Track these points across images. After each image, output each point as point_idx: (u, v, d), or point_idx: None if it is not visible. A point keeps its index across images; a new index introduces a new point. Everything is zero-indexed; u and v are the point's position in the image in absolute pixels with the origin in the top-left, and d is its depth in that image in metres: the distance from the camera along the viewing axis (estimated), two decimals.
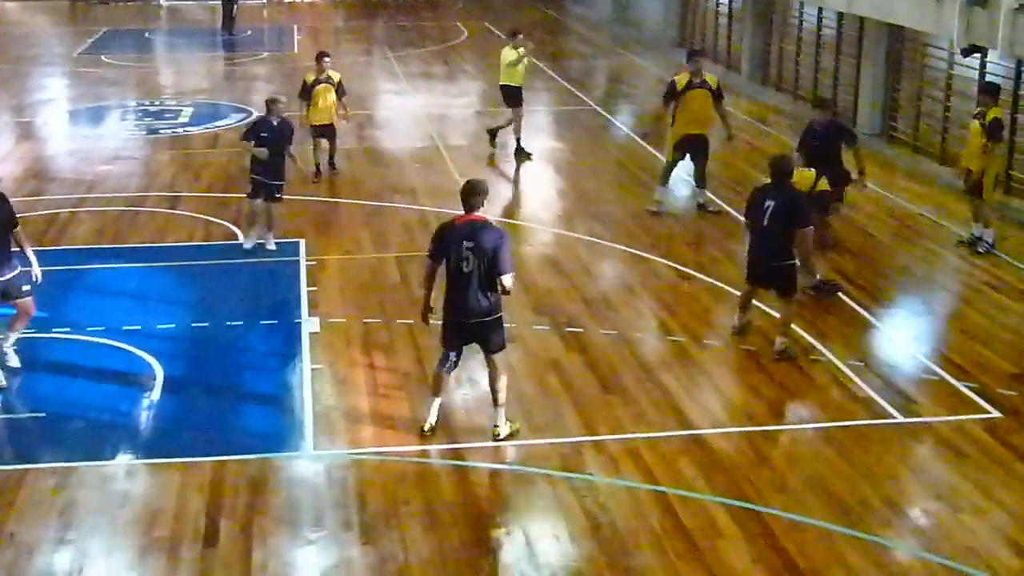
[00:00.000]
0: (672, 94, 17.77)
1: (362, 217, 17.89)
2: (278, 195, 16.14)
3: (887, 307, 14.43)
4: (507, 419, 10.97)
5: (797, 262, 12.80)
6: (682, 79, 17.77)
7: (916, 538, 9.45)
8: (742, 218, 13.28)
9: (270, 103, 16.29)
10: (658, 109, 18.64)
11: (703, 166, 18.20)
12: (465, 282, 10.54)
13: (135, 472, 10.47)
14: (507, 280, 10.59)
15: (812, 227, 12.74)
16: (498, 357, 10.90)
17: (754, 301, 13.34)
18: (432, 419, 10.99)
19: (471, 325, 10.74)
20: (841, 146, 15.72)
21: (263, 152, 15.79)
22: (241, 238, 16.34)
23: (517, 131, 21.45)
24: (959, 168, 16.17)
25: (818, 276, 14.43)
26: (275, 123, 16.06)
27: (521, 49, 21.15)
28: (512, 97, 21.33)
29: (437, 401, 11.04)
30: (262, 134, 15.96)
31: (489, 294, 10.62)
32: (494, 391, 10.93)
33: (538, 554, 9.22)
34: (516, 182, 20.34)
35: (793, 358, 12.53)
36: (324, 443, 10.89)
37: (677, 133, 17.88)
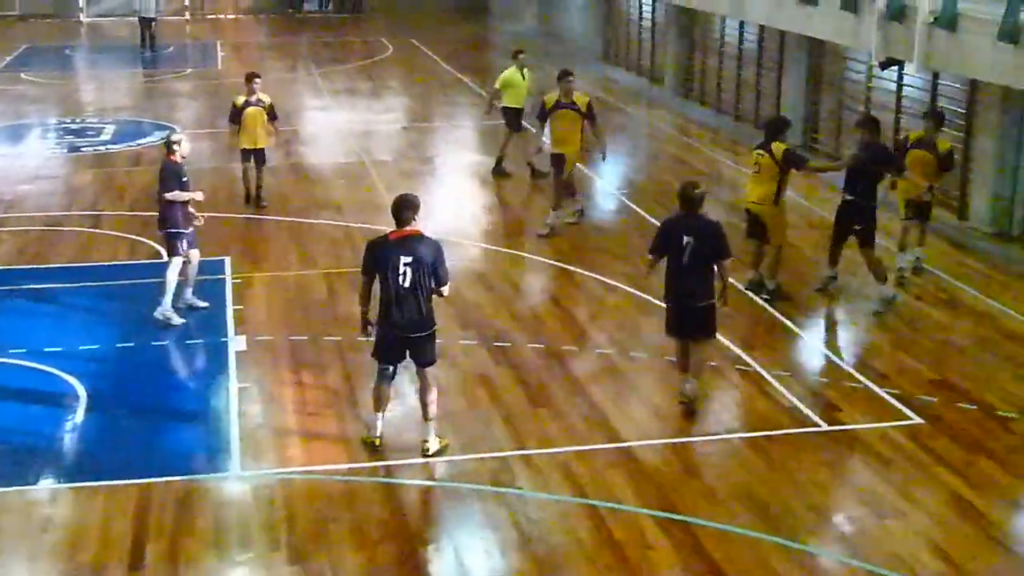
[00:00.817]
0: (542, 114, 17.78)
1: (288, 234, 17.80)
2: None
3: (811, 317, 14.60)
4: (437, 434, 10.96)
5: (716, 302, 11.71)
6: (550, 99, 17.72)
7: (842, 544, 9.56)
8: (648, 255, 12.08)
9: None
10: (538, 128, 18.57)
11: (559, 186, 17.85)
12: (403, 296, 10.55)
13: (58, 496, 10.32)
14: (446, 291, 10.76)
15: (732, 257, 11.78)
16: (429, 371, 10.91)
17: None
18: (379, 432, 10.99)
19: (408, 339, 10.74)
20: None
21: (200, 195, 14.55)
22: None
23: (503, 150, 21.16)
24: (898, 193, 15.47)
25: (774, 281, 14.77)
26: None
27: (525, 70, 20.96)
28: (515, 120, 21.10)
29: (381, 415, 11.01)
30: (184, 179, 14.28)
31: (425, 308, 10.65)
32: (424, 405, 10.92)
33: (468, 569, 9.22)
34: (443, 197, 20.33)
35: (695, 409, 11.72)
36: (251, 463, 10.81)
37: (547, 152, 17.88)
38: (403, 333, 10.71)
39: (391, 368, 10.97)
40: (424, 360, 10.87)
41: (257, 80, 18.96)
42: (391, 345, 10.85)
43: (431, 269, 10.55)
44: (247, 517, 9.93)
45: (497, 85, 21.31)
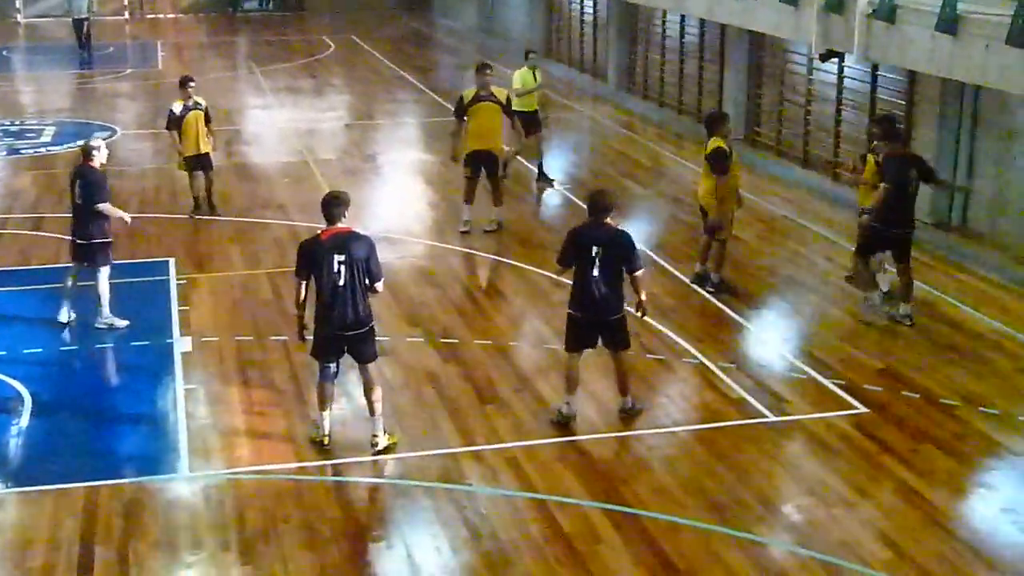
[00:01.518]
0: (460, 109, 17.28)
1: (232, 233, 17.69)
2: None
3: (756, 308, 14.70)
4: (385, 431, 10.95)
5: (637, 314, 11.55)
6: (469, 93, 17.32)
7: (790, 534, 9.65)
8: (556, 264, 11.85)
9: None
10: (451, 125, 17.98)
11: (496, 183, 17.58)
12: (339, 295, 10.52)
13: (5, 501, 10.21)
14: (380, 286, 10.72)
15: (643, 268, 11.50)
16: (371, 368, 10.90)
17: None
18: (326, 430, 10.97)
19: (347, 337, 10.72)
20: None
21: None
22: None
23: (540, 158, 20.47)
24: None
25: (719, 274, 14.88)
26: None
27: (537, 71, 20.21)
28: (532, 123, 19.94)
29: (327, 413, 10.98)
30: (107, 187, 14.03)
31: (361, 305, 10.63)
32: (370, 402, 10.92)
33: (419, 566, 9.22)
34: (388, 195, 20.28)
35: (640, 412, 11.67)
36: (200, 464, 10.74)
37: (466, 148, 17.36)
38: (341, 332, 10.67)
39: (332, 366, 10.93)
40: (364, 357, 10.86)
41: (192, 83, 18.37)
42: (328, 343, 10.80)
43: (365, 266, 10.54)
44: (197, 518, 9.87)
45: (517, 84, 20.05)
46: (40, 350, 13.38)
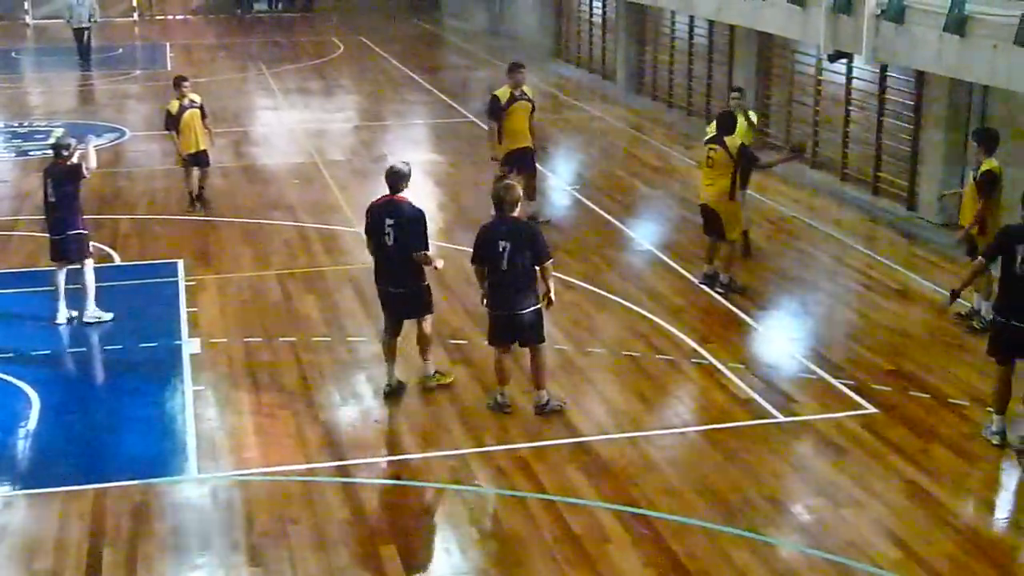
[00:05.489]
0: (496, 110, 17.44)
1: (241, 235, 17.71)
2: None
3: (765, 309, 14.68)
4: (437, 372, 12.23)
5: (542, 306, 11.58)
6: (504, 93, 17.47)
7: (799, 534, 9.63)
8: (471, 264, 11.90)
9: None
10: (491, 126, 17.81)
11: (532, 179, 17.82)
12: (388, 255, 11.73)
13: (13, 503, 10.22)
14: (419, 256, 11.69)
15: (552, 258, 11.52)
16: (425, 321, 12.03)
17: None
18: (391, 380, 12.04)
19: (395, 294, 11.90)
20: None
21: None
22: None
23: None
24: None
25: (729, 275, 14.87)
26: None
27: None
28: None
29: (392, 364, 12.06)
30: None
31: (410, 266, 11.70)
32: (421, 351, 12.16)
33: (429, 567, 9.21)
34: None
35: (559, 410, 11.68)
36: (208, 466, 10.75)
37: (505, 148, 17.50)
38: (392, 289, 11.91)
39: (392, 322, 12.07)
40: (420, 314, 12.04)
41: (186, 83, 18.85)
42: (383, 300, 12.08)
43: (408, 232, 11.65)
44: (205, 520, 9.88)
45: None
46: (48, 352, 13.39)
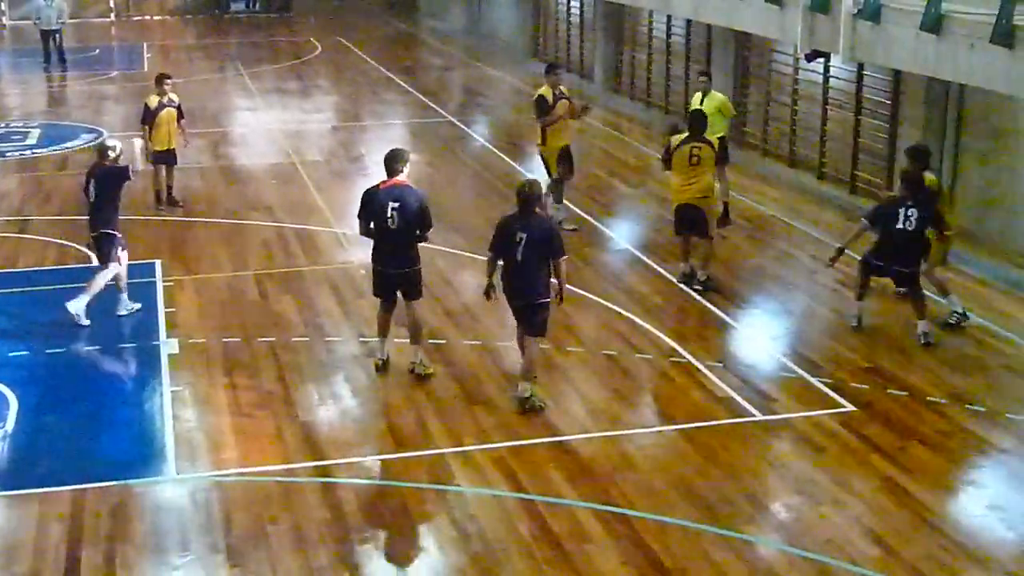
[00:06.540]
0: (546, 108, 17.51)
1: (219, 235, 17.66)
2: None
3: (743, 307, 14.72)
4: (422, 361, 12.43)
5: (550, 300, 11.80)
6: (548, 92, 17.58)
7: (778, 532, 9.66)
8: (488, 252, 12.04)
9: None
10: (533, 125, 18.05)
11: (570, 178, 18.13)
12: (390, 237, 12.09)
13: None
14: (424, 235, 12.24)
15: (566, 256, 11.82)
16: (416, 304, 12.43)
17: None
18: (381, 355, 12.54)
19: (394, 275, 12.30)
20: None
21: None
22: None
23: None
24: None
25: (706, 273, 14.97)
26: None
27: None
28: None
29: (384, 340, 12.55)
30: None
31: (411, 248, 12.22)
32: (411, 335, 12.51)
33: (407, 567, 9.21)
34: None
35: (540, 409, 11.70)
36: (187, 466, 10.72)
37: (555, 147, 17.66)
38: (390, 269, 12.33)
39: (387, 302, 12.51)
40: (411, 295, 12.48)
41: (168, 81, 18.93)
42: (379, 280, 12.49)
43: (413, 214, 12.09)
44: (184, 521, 9.85)
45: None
46: (26, 353, 13.33)
